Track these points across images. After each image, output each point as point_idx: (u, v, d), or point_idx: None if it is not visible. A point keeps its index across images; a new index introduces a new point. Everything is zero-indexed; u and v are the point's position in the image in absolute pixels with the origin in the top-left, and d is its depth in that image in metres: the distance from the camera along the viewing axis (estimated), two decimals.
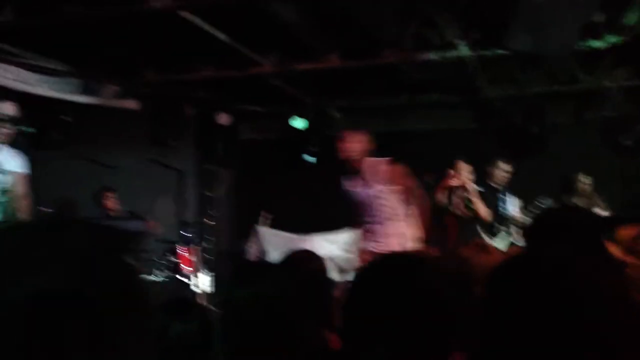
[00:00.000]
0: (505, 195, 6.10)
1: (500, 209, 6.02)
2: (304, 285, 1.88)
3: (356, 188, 4.59)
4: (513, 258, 1.19)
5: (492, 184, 6.10)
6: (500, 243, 5.80)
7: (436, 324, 1.22)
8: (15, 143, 3.74)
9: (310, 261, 2.44)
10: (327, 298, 2.08)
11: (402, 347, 1.20)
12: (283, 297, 1.62)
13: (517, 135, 6.63)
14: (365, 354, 1.21)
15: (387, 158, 4.67)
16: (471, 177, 5.80)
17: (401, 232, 4.48)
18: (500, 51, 5.04)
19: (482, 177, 6.16)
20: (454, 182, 5.77)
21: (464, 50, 5.08)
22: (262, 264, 2.28)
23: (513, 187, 6.18)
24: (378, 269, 1.34)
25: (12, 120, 3.55)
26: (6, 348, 0.63)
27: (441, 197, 5.77)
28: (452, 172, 5.79)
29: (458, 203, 5.77)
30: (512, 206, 6.08)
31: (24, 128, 3.46)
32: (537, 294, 1.05)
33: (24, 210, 3.68)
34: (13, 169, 3.76)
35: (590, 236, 2.08)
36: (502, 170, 6.07)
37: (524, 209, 5.95)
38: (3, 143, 3.67)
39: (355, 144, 4.51)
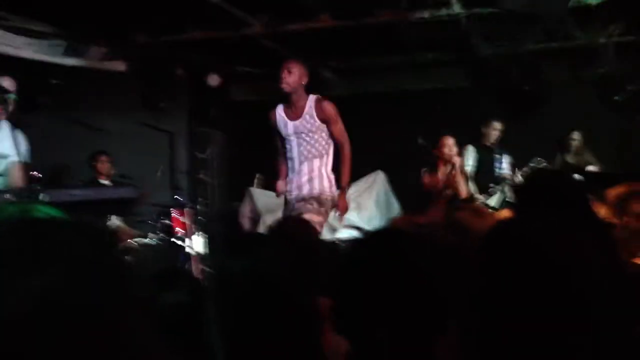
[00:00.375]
0: (500, 154, 6.11)
1: (496, 168, 6.05)
2: (298, 257, 1.87)
3: (282, 118, 4.42)
4: (501, 226, 1.19)
5: (487, 144, 6.11)
6: (495, 201, 5.86)
7: (429, 303, 1.21)
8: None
9: (303, 230, 2.43)
10: (321, 268, 2.07)
11: (398, 329, 1.20)
12: (277, 270, 1.62)
13: (513, 94, 6.59)
14: (364, 336, 1.21)
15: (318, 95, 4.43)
16: (455, 151, 5.78)
17: (317, 173, 4.27)
18: (493, 9, 4.96)
19: (477, 136, 6.15)
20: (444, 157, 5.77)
21: (457, 8, 5.00)
22: (255, 234, 2.28)
23: (508, 146, 6.17)
24: (369, 248, 1.32)
25: (9, 92, 3.37)
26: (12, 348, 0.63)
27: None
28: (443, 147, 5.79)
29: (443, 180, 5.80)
30: (507, 165, 6.10)
31: (9, 96, 3.29)
32: (524, 266, 1.05)
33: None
34: (7, 152, 3.49)
35: (577, 200, 2.08)
36: (496, 130, 6.08)
37: (518, 168, 5.97)
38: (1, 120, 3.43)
39: (290, 74, 4.23)
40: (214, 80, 6.90)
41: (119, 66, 6.03)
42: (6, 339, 0.63)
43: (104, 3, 4.75)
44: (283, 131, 4.32)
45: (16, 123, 3.54)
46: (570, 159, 6.35)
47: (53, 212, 1.16)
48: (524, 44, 6.21)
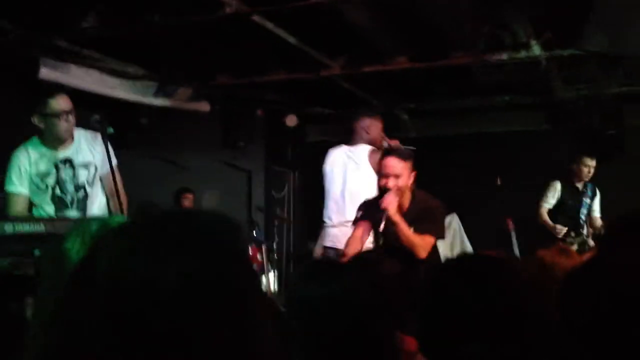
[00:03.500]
0: (591, 194, 5.87)
1: (582, 209, 5.82)
2: (378, 287, 1.89)
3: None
4: (585, 265, 1.18)
5: (575, 183, 5.87)
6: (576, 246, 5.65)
7: (518, 325, 1.22)
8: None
9: (382, 262, 2.44)
10: (401, 300, 2.07)
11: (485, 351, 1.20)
12: (357, 299, 1.63)
13: (595, 138, 6.42)
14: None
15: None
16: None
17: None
18: (574, 51, 4.89)
19: (556, 176, 5.98)
20: None
21: (536, 50, 4.96)
22: (334, 263, 2.29)
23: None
24: (457, 272, 1.33)
25: (70, 112, 3.39)
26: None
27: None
28: None
29: None
30: (598, 206, 5.88)
31: (107, 129, 3.44)
32: (605, 302, 1.04)
33: (118, 208, 3.35)
34: (90, 159, 3.53)
35: None
36: (587, 166, 5.81)
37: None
38: (68, 135, 3.47)
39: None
40: (291, 120, 7.09)
41: (203, 107, 6.31)
42: (164, 313, 0.70)
43: (191, 47, 5.03)
44: None
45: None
46: None
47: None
48: (605, 87, 6.07)
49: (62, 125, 3.39)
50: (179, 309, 0.70)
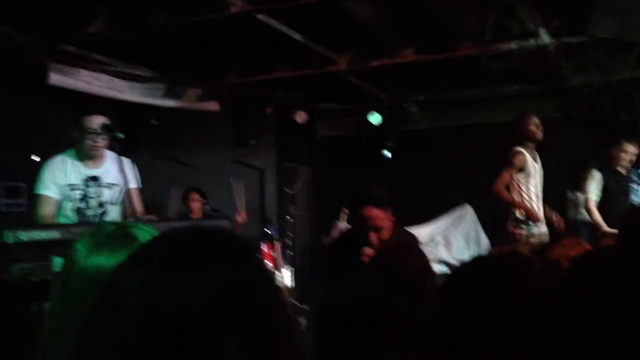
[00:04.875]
0: (637, 177, 5.58)
1: (632, 195, 5.49)
2: (399, 286, 1.88)
3: None
4: (584, 257, 1.19)
5: (619, 169, 5.55)
6: None
7: (532, 327, 1.22)
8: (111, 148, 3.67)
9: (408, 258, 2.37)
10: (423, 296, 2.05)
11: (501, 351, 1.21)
12: (377, 299, 1.64)
13: (607, 124, 6.37)
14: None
15: None
16: None
17: None
18: (583, 38, 4.85)
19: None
20: None
21: (545, 38, 4.92)
22: (354, 262, 2.27)
23: None
24: (474, 274, 1.34)
25: (103, 132, 3.51)
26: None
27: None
28: None
29: None
30: None
31: (117, 135, 3.53)
32: (599, 295, 1.05)
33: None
34: (117, 182, 3.66)
35: None
36: (628, 153, 5.51)
37: None
38: (98, 154, 3.63)
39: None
40: (300, 117, 7.10)
41: (213, 106, 6.34)
42: (198, 330, 0.71)
43: (199, 48, 5.05)
44: None
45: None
46: None
47: (153, 231, 1.27)
48: (616, 73, 6.02)
49: (90, 143, 3.54)
50: (214, 326, 0.72)
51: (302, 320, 6.61)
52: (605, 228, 5.25)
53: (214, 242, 0.80)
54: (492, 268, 1.35)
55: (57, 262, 3.04)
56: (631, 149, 5.50)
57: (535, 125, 4.97)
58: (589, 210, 5.47)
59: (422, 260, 2.25)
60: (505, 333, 1.21)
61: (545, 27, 4.80)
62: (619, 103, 6.40)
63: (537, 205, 4.99)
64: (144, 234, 1.28)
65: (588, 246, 2.49)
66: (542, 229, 4.99)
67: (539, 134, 4.97)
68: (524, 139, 4.97)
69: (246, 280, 0.77)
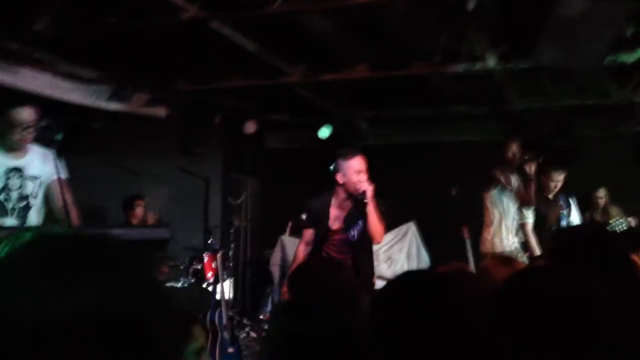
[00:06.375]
0: (566, 205, 5.74)
1: (562, 222, 5.65)
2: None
3: None
4: (517, 276, 1.20)
5: (549, 195, 5.71)
6: None
7: (463, 341, 1.22)
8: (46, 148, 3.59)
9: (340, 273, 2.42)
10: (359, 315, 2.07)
11: None
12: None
13: (547, 148, 6.57)
14: None
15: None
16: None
17: None
18: (528, 65, 5.01)
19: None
20: None
21: (491, 63, 5.06)
22: (317, 292, 2.25)
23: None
24: (404, 289, 1.34)
25: (32, 126, 3.44)
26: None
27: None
28: None
29: None
30: (577, 212, 5.80)
31: (55, 136, 3.43)
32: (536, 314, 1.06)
33: (65, 220, 3.34)
34: (40, 174, 3.58)
35: (613, 253, 2.06)
36: (554, 182, 5.68)
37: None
38: (23, 146, 3.53)
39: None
40: (250, 127, 7.04)
41: (160, 112, 6.21)
42: (53, 345, 0.66)
43: (149, 52, 4.94)
44: None
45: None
46: (597, 216, 6.25)
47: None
48: (557, 100, 6.24)
49: (18, 136, 3.45)
50: (73, 344, 0.66)
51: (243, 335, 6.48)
52: (537, 252, 5.42)
53: (89, 253, 0.74)
54: (420, 282, 1.36)
55: None
56: (557, 177, 5.68)
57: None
58: (525, 234, 5.65)
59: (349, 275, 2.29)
60: (431, 344, 1.22)
61: (494, 52, 4.93)
62: (558, 129, 6.63)
63: None
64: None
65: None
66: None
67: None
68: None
69: (117, 297, 0.70)
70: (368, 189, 3.87)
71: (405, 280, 1.38)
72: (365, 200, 3.86)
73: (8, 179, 3.50)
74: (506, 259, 3.14)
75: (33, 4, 4.06)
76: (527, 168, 5.26)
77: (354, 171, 3.94)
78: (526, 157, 5.31)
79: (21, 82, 4.76)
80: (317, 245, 4.04)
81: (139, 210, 6.17)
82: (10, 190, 3.50)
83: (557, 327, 1.04)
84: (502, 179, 5.48)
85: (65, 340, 0.66)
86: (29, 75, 4.87)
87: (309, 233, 4.13)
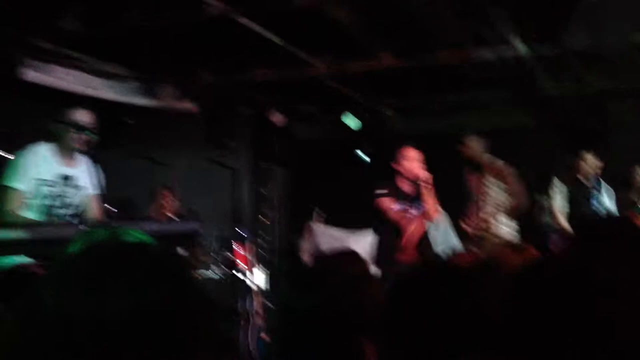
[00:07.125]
0: (599, 188, 5.74)
1: (593, 206, 5.66)
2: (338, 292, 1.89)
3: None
4: (536, 264, 1.20)
5: (580, 177, 5.72)
6: None
7: (472, 334, 1.23)
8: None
9: (351, 264, 2.41)
10: (364, 305, 2.07)
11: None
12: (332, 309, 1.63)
13: (577, 131, 6.47)
14: None
15: None
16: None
17: None
18: (557, 49, 4.93)
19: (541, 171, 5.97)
20: None
21: (520, 48, 4.98)
22: (317, 270, 2.26)
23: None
24: (417, 282, 1.35)
25: (88, 128, 3.42)
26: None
27: None
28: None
29: None
30: (609, 199, 5.75)
31: (91, 135, 3.45)
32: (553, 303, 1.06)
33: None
34: (86, 186, 3.61)
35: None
36: (587, 162, 5.69)
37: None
38: (80, 151, 3.51)
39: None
40: (277, 118, 7.08)
41: (189, 106, 6.28)
42: (113, 347, 0.71)
43: (176, 47, 5.00)
44: None
45: (92, 159, 3.71)
46: (633, 196, 6.14)
47: (143, 237, 1.25)
48: (589, 84, 6.12)
49: (76, 138, 3.42)
50: (129, 343, 0.71)
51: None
52: (568, 229, 5.48)
53: (137, 262, 0.79)
54: (437, 277, 1.37)
55: (17, 261, 2.99)
56: (591, 159, 5.69)
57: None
58: (554, 216, 5.63)
59: (361, 267, 2.29)
60: (455, 337, 1.23)
61: (521, 37, 4.86)
62: (590, 112, 6.51)
63: None
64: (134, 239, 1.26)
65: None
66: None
67: None
68: None
69: (165, 303, 0.76)
70: (425, 175, 4.84)
71: (422, 276, 1.39)
72: (423, 184, 4.81)
73: (60, 185, 3.49)
74: (517, 247, 3.09)
75: (60, 3, 4.13)
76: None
77: (413, 160, 4.90)
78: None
79: (56, 81, 4.87)
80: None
81: (166, 201, 6.31)
82: (58, 196, 3.50)
83: (577, 319, 1.04)
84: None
85: (120, 339, 0.71)
86: (63, 74, 4.98)
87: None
